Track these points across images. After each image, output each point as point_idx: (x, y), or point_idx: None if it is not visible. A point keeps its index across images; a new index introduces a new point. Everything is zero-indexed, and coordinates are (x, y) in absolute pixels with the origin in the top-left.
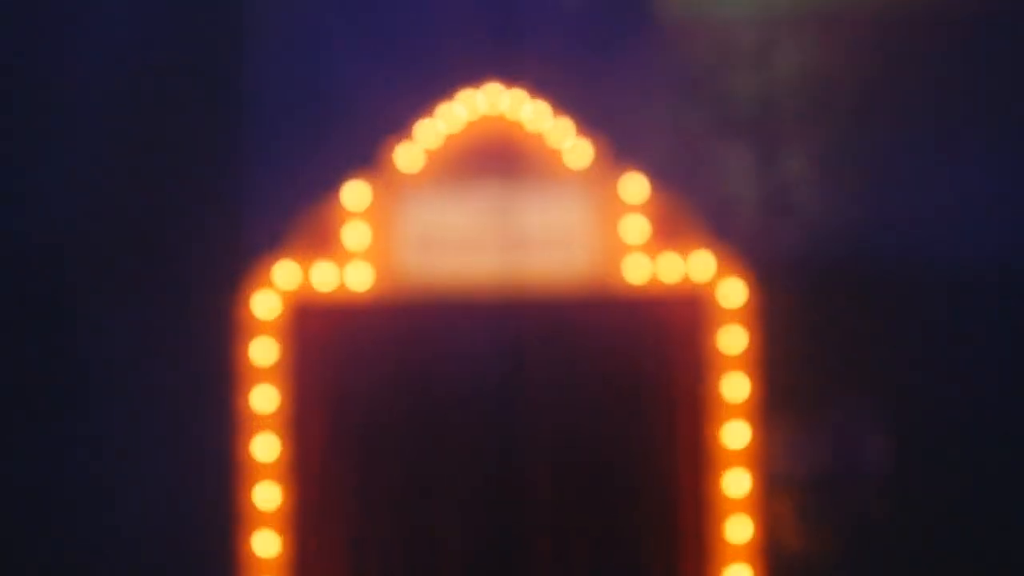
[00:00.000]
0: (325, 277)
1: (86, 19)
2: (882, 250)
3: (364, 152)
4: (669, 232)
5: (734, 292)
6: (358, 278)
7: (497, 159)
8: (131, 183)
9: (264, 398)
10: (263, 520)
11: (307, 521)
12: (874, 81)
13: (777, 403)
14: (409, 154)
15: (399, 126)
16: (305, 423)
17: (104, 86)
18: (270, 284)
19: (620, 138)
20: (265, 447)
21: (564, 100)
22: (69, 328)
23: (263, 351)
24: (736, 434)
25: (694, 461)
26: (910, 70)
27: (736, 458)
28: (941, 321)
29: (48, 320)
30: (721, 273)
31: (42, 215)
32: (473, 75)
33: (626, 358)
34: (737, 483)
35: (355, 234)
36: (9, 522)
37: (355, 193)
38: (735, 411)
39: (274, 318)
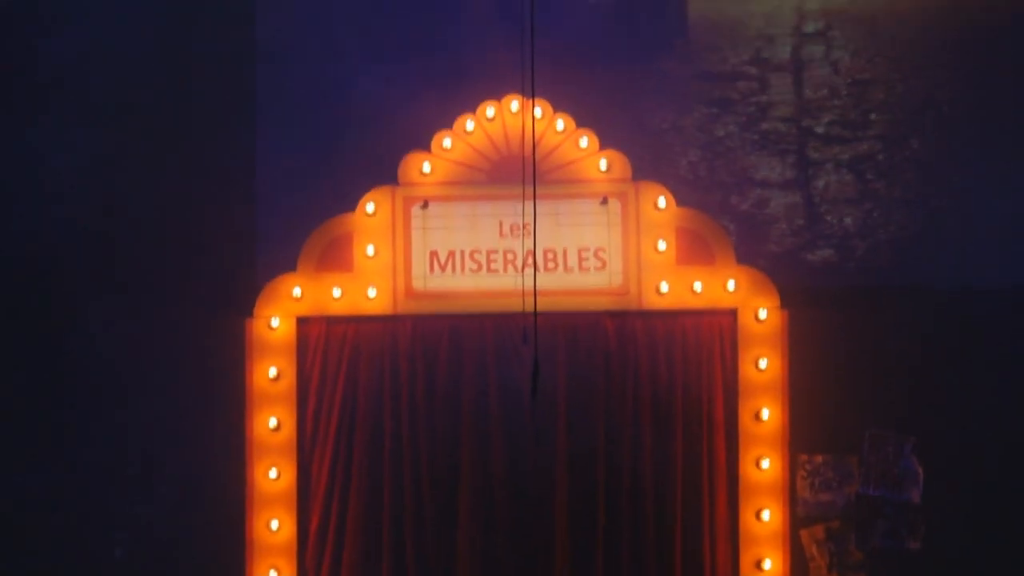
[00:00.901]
0: (340, 294)
1: (96, 36)
2: (922, 269)
3: (381, 166)
4: (696, 250)
5: (764, 311)
6: (374, 295)
7: (518, 173)
8: (144, 200)
9: (276, 417)
10: (275, 544)
11: (322, 540)
12: (912, 93)
13: (806, 426)
14: (427, 168)
15: (417, 140)
16: (319, 442)
17: (117, 102)
18: (284, 301)
19: (646, 153)
20: (277, 466)
21: (587, 114)
22: (80, 344)
23: (277, 368)
24: (763, 458)
25: (719, 482)
26: (949, 81)
27: (764, 483)
28: (982, 345)
29: (61, 334)
30: (751, 292)
31: (55, 234)
32: (494, 88)
33: (650, 376)
34: (764, 509)
35: (371, 250)
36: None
37: (371, 208)
38: (763, 434)
39: (288, 335)
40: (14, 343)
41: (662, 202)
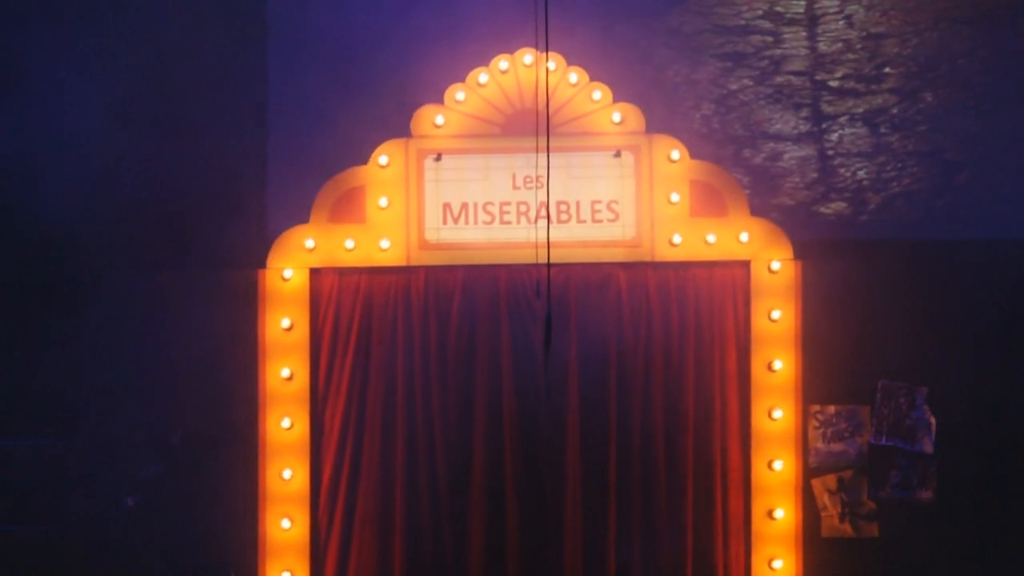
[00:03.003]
0: (353, 245)
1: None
2: (935, 221)
3: (394, 119)
4: (710, 202)
5: (776, 263)
6: (387, 246)
7: (531, 126)
8: (156, 154)
9: (289, 368)
10: (289, 493)
11: (335, 489)
12: (926, 46)
13: (818, 377)
14: (440, 121)
15: (430, 93)
16: (331, 393)
17: (126, 59)
18: (297, 252)
19: (660, 107)
20: (291, 416)
21: (601, 68)
22: (94, 302)
23: (290, 319)
24: (776, 409)
25: (731, 433)
26: (963, 34)
27: (776, 434)
28: (994, 296)
29: (73, 294)
30: (764, 244)
31: (66, 195)
32: (507, 42)
33: (662, 327)
34: (776, 459)
35: (385, 202)
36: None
37: (385, 160)
38: (775, 384)
39: (301, 286)
40: (27, 304)
41: (675, 154)
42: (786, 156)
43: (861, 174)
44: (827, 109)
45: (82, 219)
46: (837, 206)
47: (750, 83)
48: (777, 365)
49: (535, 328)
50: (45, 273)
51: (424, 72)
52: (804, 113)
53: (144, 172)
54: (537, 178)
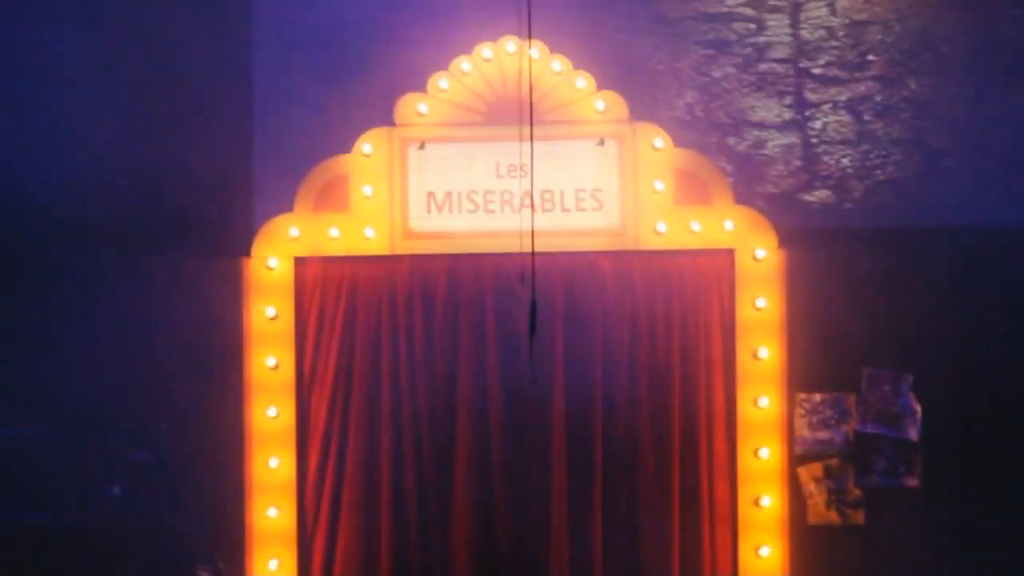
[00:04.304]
0: (338, 234)
1: None
2: (920, 208)
3: (377, 108)
4: (694, 190)
5: (761, 251)
6: (372, 235)
7: (515, 114)
8: (140, 143)
9: (275, 357)
10: (275, 482)
11: (321, 478)
12: (910, 33)
13: (804, 365)
14: (424, 109)
15: (413, 81)
16: (317, 381)
17: (112, 51)
18: (281, 241)
19: (643, 95)
20: (276, 405)
21: (584, 55)
22: (79, 289)
23: (275, 308)
24: (761, 397)
25: (717, 421)
26: (946, 21)
27: (762, 422)
28: (980, 283)
29: (58, 281)
30: (748, 232)
31: (50, 181)
32: (490, 30)
33: (647, 316)
34: (762, 447)
35: (369, 190)
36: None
37: (368, 149)
38: (761, 373)
39: (286, 275)
40: (10, 290)
41: (659, 142)
42: (770, 144)
43: (845, 162)
44: (811, 97)
45: (66, 205)
46: (821, 194)
47: (733, 71)
48: (762, 353)
49: (520, 316)
50: (28, 259)
51: (408, 60)
52: (787, 101)
53: (129, 160)
54: (521, 166)
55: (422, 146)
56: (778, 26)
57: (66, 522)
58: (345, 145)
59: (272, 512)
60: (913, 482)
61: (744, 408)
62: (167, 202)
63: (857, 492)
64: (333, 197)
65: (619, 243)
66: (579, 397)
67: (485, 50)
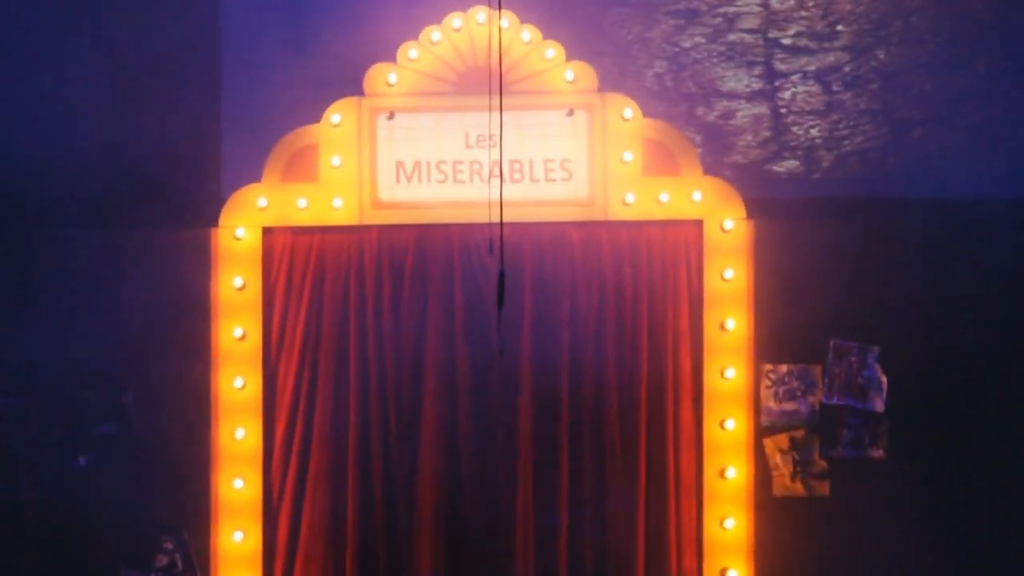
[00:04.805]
0: (306, 204)
1: None
2: (888, 179)
3: (346, 78)
4: (662, 161)
5: (729, 222)
6: (340, 205)
7: (484, 84)
8: (107, 114)
9: (242, 327)
10: (241, 452)
11: (288, 449)
12: (879, 3)
13: (771, 336)
14: (393, 79)
15: (383, 51)
16: (284, 352)
17: (79, 24)
18: (249, 211)
19: (612, 65)
20: (243, 375)
21: (554, 26)
22: (45, 260)
23: (242, 278)
24: (728, 368)
25: (683, 392)
26: None
27: (729, 393)
28: (946, 255)
29: (24, 252)
30: (716, 203)
31: (17, 154)
32: None
33: (615, 286)
34: (728, 418)
35: (337, 160)
36: None
37: (337, 119)
38: (728, 344)
39: (253, 245)
40: None
41: (628, 113)
42: (739, 114)
43: (814, 132)
44: (780, 67)
45: (33, 177)
46: (790, 164)
47: (703, 40)
48: (729, 324)
49: (488, 286)
50: None
51: (377, 30)
52: (757, 71)
53: (97, 132)
54: (490, 136)
55: (391, 116)
56: None
57: (31, 494)
58: (314, 115)
59: (238, 483)
60: (878, 454)
61: (711, 379)
62: (134, 173)
63: (823, 463)
64: (301, 167)
65: (587, 214)
66: (546, 367)
67: (455, 20)
